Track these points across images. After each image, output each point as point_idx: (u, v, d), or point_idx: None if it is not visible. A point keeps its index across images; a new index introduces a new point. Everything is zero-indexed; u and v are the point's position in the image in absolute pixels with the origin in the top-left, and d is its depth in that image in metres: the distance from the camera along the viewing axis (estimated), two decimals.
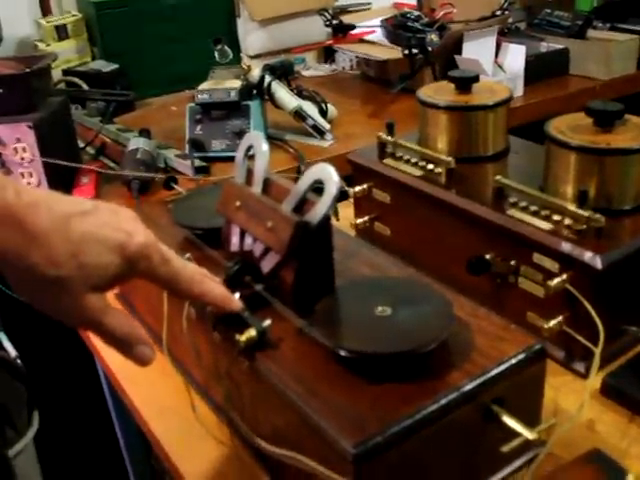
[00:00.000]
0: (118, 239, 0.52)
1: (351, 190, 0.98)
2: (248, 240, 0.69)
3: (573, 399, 0.72)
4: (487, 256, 0.81)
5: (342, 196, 1.05)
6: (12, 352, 1.38)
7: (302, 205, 0.65)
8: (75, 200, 0.53)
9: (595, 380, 0.73)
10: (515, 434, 0.58)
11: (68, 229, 0.50)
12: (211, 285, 0.60)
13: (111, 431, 1.18)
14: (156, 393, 0.79)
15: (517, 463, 0.65)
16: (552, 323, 0.75)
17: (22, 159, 1.21)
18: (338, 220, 1.04)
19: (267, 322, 0.62)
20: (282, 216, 0.64)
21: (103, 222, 0.52)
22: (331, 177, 0.62)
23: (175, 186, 0.96)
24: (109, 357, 0.87)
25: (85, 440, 1.65)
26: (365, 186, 0.97)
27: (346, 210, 1.08)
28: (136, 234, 0.53)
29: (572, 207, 0.75)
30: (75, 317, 0.52)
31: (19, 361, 1.36)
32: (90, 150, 1.49)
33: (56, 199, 0.52)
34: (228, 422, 0.63)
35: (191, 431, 0.72)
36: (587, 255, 0.71)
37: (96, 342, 0.91)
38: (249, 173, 0.72)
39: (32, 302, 0.52)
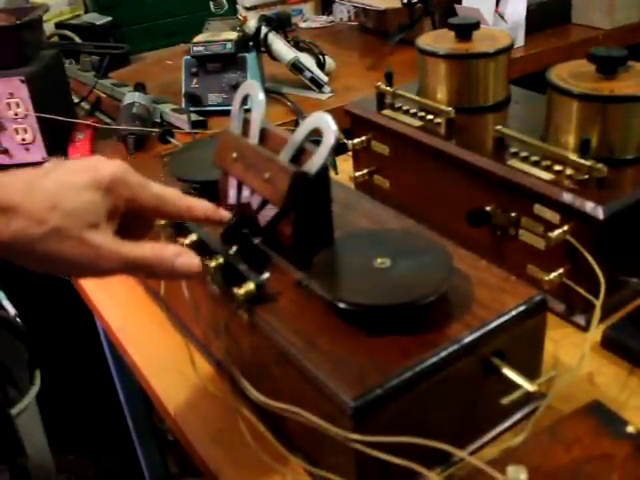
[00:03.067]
0: (88, 176, 0.53)
1: (349, 143, 0.97)
2: (245, 192, 0.68)
3: (573, 352, 0.72)
4: (487, 208, 0.80)
5: (341, 149, 1.04)
6: (11, 311, 1.37)
7: (300, 155, 0.63)
8: (32, 169, 0.54)
9: (595, 333, 0.72)
10: (515, 386, 0.57)
11: (37, 189, 0.51)
12: (195, 199, 0.61)
13: (112, 389, 1.19)
14: (156, 350, 0.79)
15: (517, 416, 0.65)
16: (552, 275, 0.74)
17: (16, 115, 1.19)
18: (337, 174, 1.03)
19: (265, 275, 0.61)
20: (279, 167, 0.63)
21: (67, 171, 0.53)
22: (329, 126, 0.61)
23: (171, 139, 0.94)
24: (108, 315, 0.87)
25: (87, 399, 1.66)
26: (364, 138, 0.96)
27: (345, 164, 1.06)
28: (103, 167, 0.54)
29: (574, 157, 0.74)
30: (96, 261, 0.52)
31: (18, 320, 1.36)
32: (85, 105, 1.47)
33: (12, 174, 0.52)
34: (228, 377, 0.62)
35: (191, 387, 0.72)
36: (589, 205, 0.70)
37: (95, 300, 0.90)
38: (245, 124, 0.70)
39: (55, 270, 0.53)
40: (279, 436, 0.64)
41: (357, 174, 0.98)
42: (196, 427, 0.68)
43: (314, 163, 0.62)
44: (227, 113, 0.73)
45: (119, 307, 0.87)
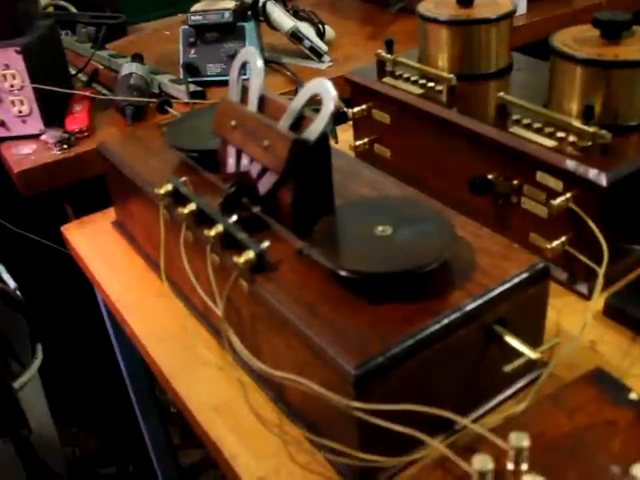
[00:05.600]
0: None
1: (350, 111, 0.95)
2: (245, 161, 0.67)
3: (576, 320, 0.71)
4: (489, 176, 0.79)
5: (341, 119, 1.03)
6: (11, 284, 1.37)
7: (299, 122, 0.62)
8: None
9: (598, 301, 0.72)
10: (518, 354, 0.57)
11: None
12: None
13: (114, 362, 1.19)
14: (155, 320, 0.79)
15: (519, 384, 0.64)
16: (555, 244, 0.74)
17: (12, 86, 1.17)
18: (337, 143, 1.02)
19: (265, 244, 0.61)
20: (279, 134, 0.62)
21: None
22: (328, 92, 0.60)
23: (170, 109, 0.93)
24: (107, 286, 0.87)
25: (89, 372, 1.67)
26: (364, 106, 0.95)
27: (345, 133, 1.05)
28: None
29: (577, 123, 0.73)
30: None
31: (19, 293, 1.36)
32: (82, 77, 1.45)
33: None
34: (229, 347, 0.62)
35: (191, 357, 0.72)
36: (592, 172, 0.69)
37: (94, 271, 0.90)
38: (244, 91, 0.69)
39: None
40: (280, 405, 0.64)
41: (357, 143, 0.97)
42: (197, 397, 0.68)
43: (314, 130, 0.61)
44: (226, 83, 0.72)
45: (118, 278, 0.87)
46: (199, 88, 1.32)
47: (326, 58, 1.45)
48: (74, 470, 1.70)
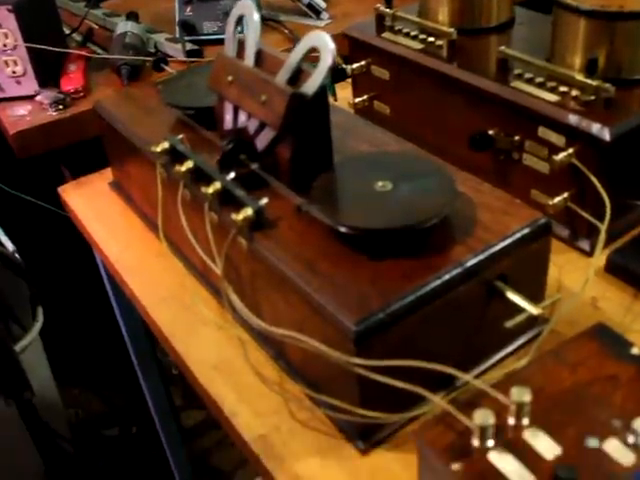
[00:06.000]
0: None
1: (348, 68, 0.94)
2: (242, 117, 0.66)
3: (577, 277, 0.71)
4: (490, 132, 0.78)
5: (339, 76, 1.02)
6: (10, 247, 1.37)
7: (297, 77, 0.61)
8: None
9: (600, 258, 0.71)
10: (519, 310, 0.57)
11: None
12: None
13: (115, 324, 1.19)
14: (156, 281, 0.78)
15: (521, 340, 0.64)
16: (557, 200, 0.73)
17: (5, 46, 1.15)
18: (336, 100, 1.01)
19: (264, 200, 0.60)
20: (276, 88, 0.61)
21: None
22: (326, 45, 0.58)
23: (166, 67, 0.92)
24: (106, 247, 0.86)
25: (91, 334, 1.67)
26: (363, 62, 0.93)
27: (344, 91, 1.04)
28: None
29: (580, 77, 0.71)
30: None
31: (17, 256, 1.36)
32: (76, 37, 1.42)
33: None
34: (228, 305, 0.62)
35: (191, 316, 0.72)
36: (595, 127, 0.68)
37: (93, 232, 0.89)
38: (240, 46, 0.68)
39: None
40: (281, 363, 0.64)
41: (357, 100, 0.96)
42: (197, 356, 0.68)
43: (312, 84, 0.60)
44: (223, 42, 0.71)
45: (117, 239, 0.86)
46: (195, 47, 1.30)
47: (324, 15, 1.42)
48: (77, 431, 1.71)
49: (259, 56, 0.66)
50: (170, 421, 1.36)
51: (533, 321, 0.63)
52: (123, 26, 1.29)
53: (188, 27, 1.34)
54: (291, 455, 0.57)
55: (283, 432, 0.59)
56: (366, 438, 0.57)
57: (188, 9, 1.35)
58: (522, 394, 0.46)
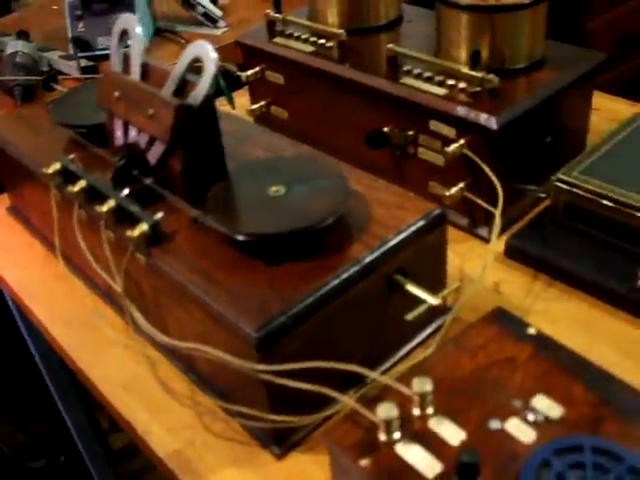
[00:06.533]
0: None
1: (243, 75, 0.94)
2: (132, 132, 0.65)
3: (478, 264, 0.72)
4: (385, 129, 0.79)
5: (236, 83, 1.01)
6: None
7: (183, 88, 0.61)
8: None
9: (498, 243, 0.73)
10: (420, 302, 0.58)
11: None
12: None
13: (28, 352, 1.15)
14: (59, 305, 0.76)
15: (426, 332, 0.65)
16: (453, 190, 0.74)
17: None
18: (234, 108, 1.00)
19: (159, 215, 0.59)
20: (162, 101, 0.60)
21: None
22: (208, 54, 0.58)
23: (55, 86, 0.90)
24: (7, 274, 0.83)
25: (4, 365, 1.61)
26: (257, 69, 0.93)
27: (242, 99, 1.03)
28: None
29: (465, 69, 0.73)
30: None
31: None
32: None
33: None
34: (131, 322, 0.61)
35: (98, 338, 0.71)
36: (482, 117, 0.70)
37: None
38: (126, 60, 0.67)
39: None
40: (191, 376, 0.64)
41: (254, 107, 0.96)
42: (107, 377, 0.66)
43: (198, 94, 0.59)
44: None
45: (17, 264, 0.84)
46: (91, 63, 1.27)
47: (221, 23, 1.42)
48: (3, 467, 1.65)
49: (145, 69, 0.65)
50: (96, 446, 1.33)
51: (437, 311, 0.64)
52: (13, 46, 1.25)
53: (82, 43, 1.31)
54: (207, 468, 0.57)
55: (198, 446, 0.59)
56: (281, 443, 0.57)
57: (80, 25, 1.32)
58: (423, 384, 0.47)
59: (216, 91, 0.88)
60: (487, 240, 0.76)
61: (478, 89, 0.73)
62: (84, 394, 1.27)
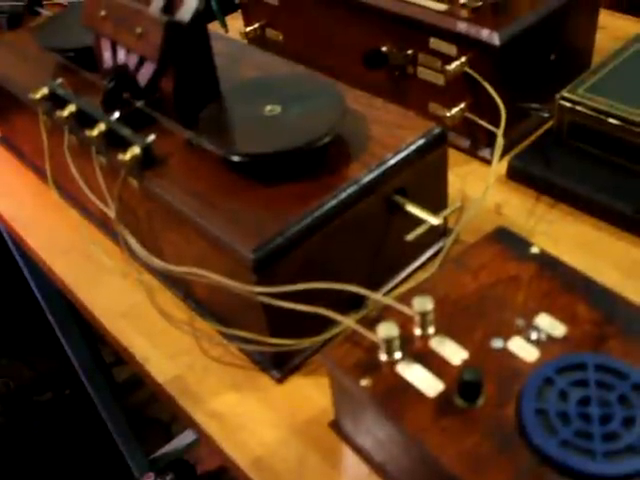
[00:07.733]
0: None
1: None
2: (121, 53, 0.63)
3: (480, 186, 0.70)
4: (383, 48, 0.76)
5: (229, 6, 0.98)
6: None
7: (171, 4, 0.58)
8: None
9: (501, 165, 0.72)
10: (421, 223, 0.56)
11: None
12: None
13: (28, 288, 1.15)
14: (55, 235, 0.75)
15: (428, 253, 0.64)
16: (454, 111, 0.72)
17: None
18: (227, 32, 0.97)
19: (151, 137, 0.57)
20: (150, 19, 0.58)
21: None
22: None
23: (40, 10, 0.87)
24: (2, 206, 0.82)
25: (7, 302, 1.62)
26: None
27: (236, 22, 1.00)
28: None
29: None
30: None
31: None
32: None
33: None
34: (126, 248, 0.59)
35: (94, 266, 0.70)
36: (484, 33, 0.68)
37: None
38: None
39: None
40: (189, 302, 0.63)
41: (248, 29, 0.92)
42: (104, 305, 0.66)
43: (186, 10, 0.57)
44: None
45: (11, 196, 0.82)
46: None
47: None
48: (10, 402, 1.67)
49: None
50: (99, 380, 1.34)
51: (438, 233, 0.63)
52: None
53: None
54: (207, 392, 0.57)
55: (197, 370, 0.58)
56: (280, 366, 0.56)
57: None
58: (424, 303, 0.46)
59: (208, 14, 0.85)
60: (489, 162, 0.74)
61: (479, 4, 0.70)
62: (86, 328, 1.28)
